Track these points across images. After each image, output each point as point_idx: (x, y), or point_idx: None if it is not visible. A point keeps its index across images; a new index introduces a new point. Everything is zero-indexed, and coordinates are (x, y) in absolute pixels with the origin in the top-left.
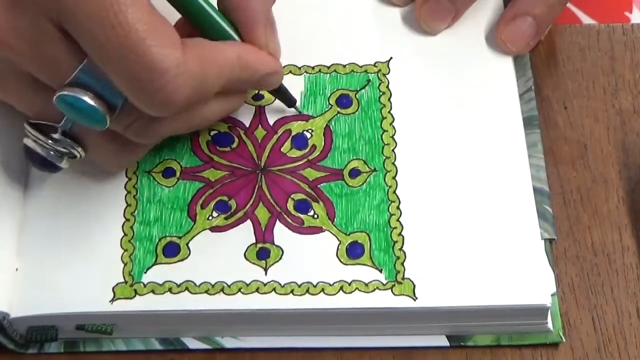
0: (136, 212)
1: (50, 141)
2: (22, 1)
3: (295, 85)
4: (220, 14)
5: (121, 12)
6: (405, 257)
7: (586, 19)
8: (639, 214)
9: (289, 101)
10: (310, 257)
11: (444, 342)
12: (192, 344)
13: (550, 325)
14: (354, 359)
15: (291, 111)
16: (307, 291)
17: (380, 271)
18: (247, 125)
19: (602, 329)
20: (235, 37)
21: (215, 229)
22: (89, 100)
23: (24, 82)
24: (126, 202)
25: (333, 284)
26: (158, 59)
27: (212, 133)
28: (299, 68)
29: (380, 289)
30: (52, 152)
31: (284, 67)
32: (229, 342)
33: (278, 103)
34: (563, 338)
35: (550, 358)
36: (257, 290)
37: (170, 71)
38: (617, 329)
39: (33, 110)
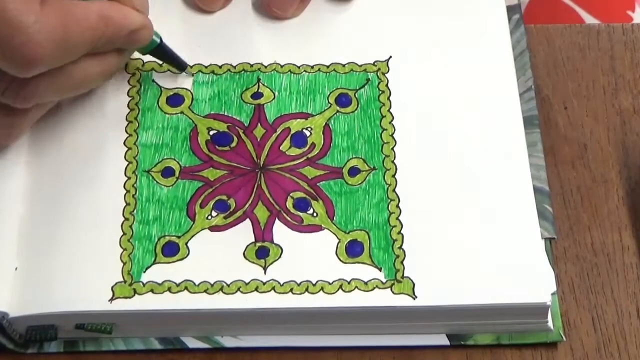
0: (135, 211)
1: None
2: None
3: (294, 84)
4: None
5: None
6: (404, 255)
7: (588, 18)
8: (639, 214)
9: (179, 65)
10: (309, 256)
11: (444, 341)
12: (192, 343)
13: (550, 324)
14: (353, 359)
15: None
16: (307, 290)
17: (380, 270)
18: (247, 124)
19: (602, 329)
20: None
21: (214, 228)
22: None
23: None
24: (125, 201)
25: (332, 283)
26: (14, 14)
27: (212, 132)
28: (298, 67)
29: (379, 288)
30: None
31: (283, 66)
32: (228, 342)
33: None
34: (563, 337)
35: (550, 358)
36: (256, 289)
37: (29, 27)
38: (617, 329)
39: None
